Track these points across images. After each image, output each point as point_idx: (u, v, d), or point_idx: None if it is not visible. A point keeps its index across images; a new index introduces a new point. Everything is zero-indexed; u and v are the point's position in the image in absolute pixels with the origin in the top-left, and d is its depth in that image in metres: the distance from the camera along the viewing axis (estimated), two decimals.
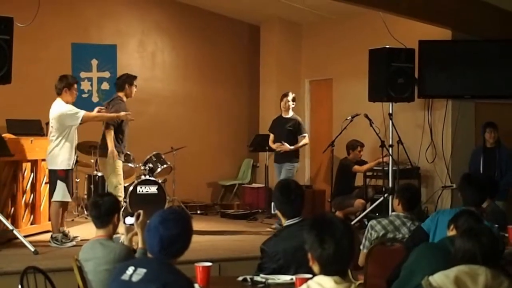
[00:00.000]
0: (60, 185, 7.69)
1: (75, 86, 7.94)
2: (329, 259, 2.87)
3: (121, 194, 8.11)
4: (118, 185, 8.11)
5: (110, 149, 8.00)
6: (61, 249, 7.51)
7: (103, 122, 8.15)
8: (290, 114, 9.36)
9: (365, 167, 9.74)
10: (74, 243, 7.60)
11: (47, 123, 8.95)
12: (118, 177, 8.13)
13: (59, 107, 7.73)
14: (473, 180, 5.44)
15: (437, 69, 9.32)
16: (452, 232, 4.35)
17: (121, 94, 8.32)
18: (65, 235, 7.79)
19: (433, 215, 5.53)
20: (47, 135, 8.89)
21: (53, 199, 7.73)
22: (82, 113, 7.76)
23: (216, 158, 12.02)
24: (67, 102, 7.77)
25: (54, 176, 7.74)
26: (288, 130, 9.20)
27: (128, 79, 8.37)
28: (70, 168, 7.81)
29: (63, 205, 7.87)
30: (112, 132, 8.06)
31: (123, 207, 8.12)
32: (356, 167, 9.73)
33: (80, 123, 7.80)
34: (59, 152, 7.68)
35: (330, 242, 2.86)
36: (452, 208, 5.80)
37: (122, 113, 8.04)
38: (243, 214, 10.35)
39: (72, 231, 8.03)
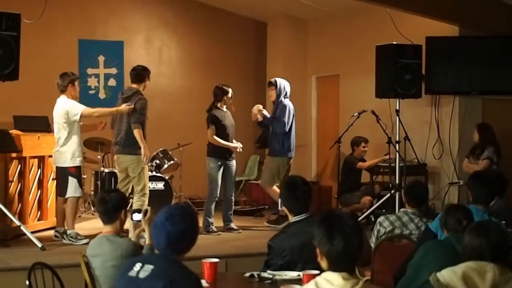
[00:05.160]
0: (72, 181, 7.70)
1: (78, 81, 7.93)
2: (337, 255, 2.86)
3: (147, 193, 7.93)
4: (146, 185, 7.94)
5: (144, 151, 7.72)
6: (68, 245, 7.53)
7: (124, 117, 7.83)
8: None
9: (368, 163, 9.74)
10: (88, 240, 7.35)
11: None
12: (146, 176, 7.98)
13: (62, 104, 7.72)
14: (483, 178, 5.43)
15: (444, 65, 9.29)
16: (447, 233, 4.36)
17: (139, 86, 7.92)
18: (65, 232, 7.79)
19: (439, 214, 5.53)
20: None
21: (66, 196, 7.71)
22: (81, 110, 7.70)
23: None
24: (72, 98, 7.78)
25: (65, 173, 7.73)
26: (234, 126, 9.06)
27: (146, 72, 8.01)
28: (80, 164, 7.84)
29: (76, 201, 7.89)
30: (141, 130, 7.74)
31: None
32: (360, 163, 9.73)
33: (80, 119, 7.73)
34: (67, 149, 7.68)
35: (339, 238, 2.86)
36: None
37: (123, 106, 7.71)
38: (250, 210, 10.35)
39: (79, 227, 8.04)
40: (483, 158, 8.49)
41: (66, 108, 7.69)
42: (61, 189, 7.87)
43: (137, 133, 7.72)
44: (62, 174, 7.79)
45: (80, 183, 7.86)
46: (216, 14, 12.43)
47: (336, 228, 2.89)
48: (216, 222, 8.75)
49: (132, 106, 7.72)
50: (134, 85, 7.97)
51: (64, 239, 7.66)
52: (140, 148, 7.74)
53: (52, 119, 8.80)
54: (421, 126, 9.85)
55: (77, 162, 7.75)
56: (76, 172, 7.77)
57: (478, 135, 8.70)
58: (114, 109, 7.83)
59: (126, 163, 7.88)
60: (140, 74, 7.97)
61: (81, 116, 7.70)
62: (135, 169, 7.82)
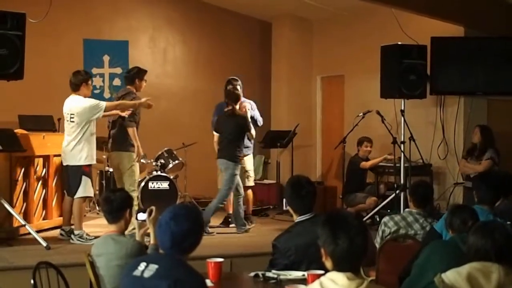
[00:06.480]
0: (85, 180, 7.70)
1: (91, 80, 7.96)
2: (342, 254, 2.87)
3: (136, 189, 8.15)
4: (136, 181, 8.12)
5: (138, 150, 7.97)
6: (73, 244, 7.54)
7: (118, 116, 8.07)
8: None
9: (370, 162, 9.72)
10: None
11: (59, 119, 8.98)
12: (136, 173, 8.11)
13: (81, 102, 7.67)
14: (488, 179, 5.42)
15: (449, 66, 9.28)
16: (452, 234, 4.35)
17: (132, 88, 8.22)
18: (72, 232, 7.79)
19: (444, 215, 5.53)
20: (59, 131, 8.92)
21: (77, 196, 7.69)
22: (104, 104, 7.74)
23: None
24: (85, 97, 7.77)
25: (78, 172, 7.67)
26: None
27: (139, 74, 8.28)
28: (93, 163, 7.87)
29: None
30: (135, 130, 8.01)
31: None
32: (363, 163, 9.71)
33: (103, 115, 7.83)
34: (82, 148, 7.64)
35: (344, 238, 2.86)
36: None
37: (143, 99, 7.94)
38: (255, 210, 10.32)
39: (84, 226, 8.04)
40: (486, 158, 8.49)
41: (85, 105, 7.65)
42: (70, 189, 7.79)
43: (131, 132, 7.99)
44: (74, 173, 7.70)
45: (92, 183, 7.91)
46: (221, 14, 12.44)
47: (341, 228, 2.89)
48: (213, 221, 8.82)
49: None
50: (128, 86, 8.30)
51: (72, 239, 7.64)
52: (132, 145, 8.00)
53: (57, 119, 8.85)
54: (426, 127, 9.85)
55: (91, 160, 7.78)
56: (90, 171, 7.80)
57: (480, 136, 8.69)
58: (136, 101, 7.98)
59: (118, 159, 8.11)
60: (131, 76, 8.34)
61: (104, 111, 7.74)
62: (126, 164, 8.03)
